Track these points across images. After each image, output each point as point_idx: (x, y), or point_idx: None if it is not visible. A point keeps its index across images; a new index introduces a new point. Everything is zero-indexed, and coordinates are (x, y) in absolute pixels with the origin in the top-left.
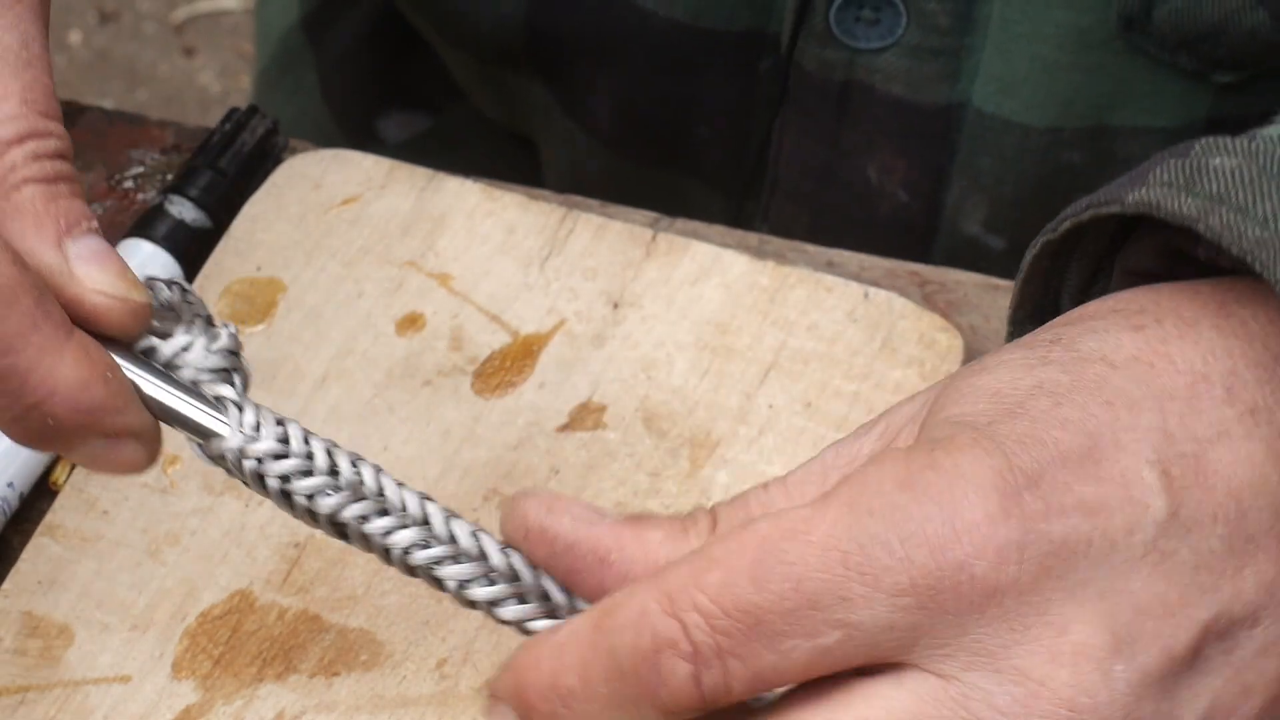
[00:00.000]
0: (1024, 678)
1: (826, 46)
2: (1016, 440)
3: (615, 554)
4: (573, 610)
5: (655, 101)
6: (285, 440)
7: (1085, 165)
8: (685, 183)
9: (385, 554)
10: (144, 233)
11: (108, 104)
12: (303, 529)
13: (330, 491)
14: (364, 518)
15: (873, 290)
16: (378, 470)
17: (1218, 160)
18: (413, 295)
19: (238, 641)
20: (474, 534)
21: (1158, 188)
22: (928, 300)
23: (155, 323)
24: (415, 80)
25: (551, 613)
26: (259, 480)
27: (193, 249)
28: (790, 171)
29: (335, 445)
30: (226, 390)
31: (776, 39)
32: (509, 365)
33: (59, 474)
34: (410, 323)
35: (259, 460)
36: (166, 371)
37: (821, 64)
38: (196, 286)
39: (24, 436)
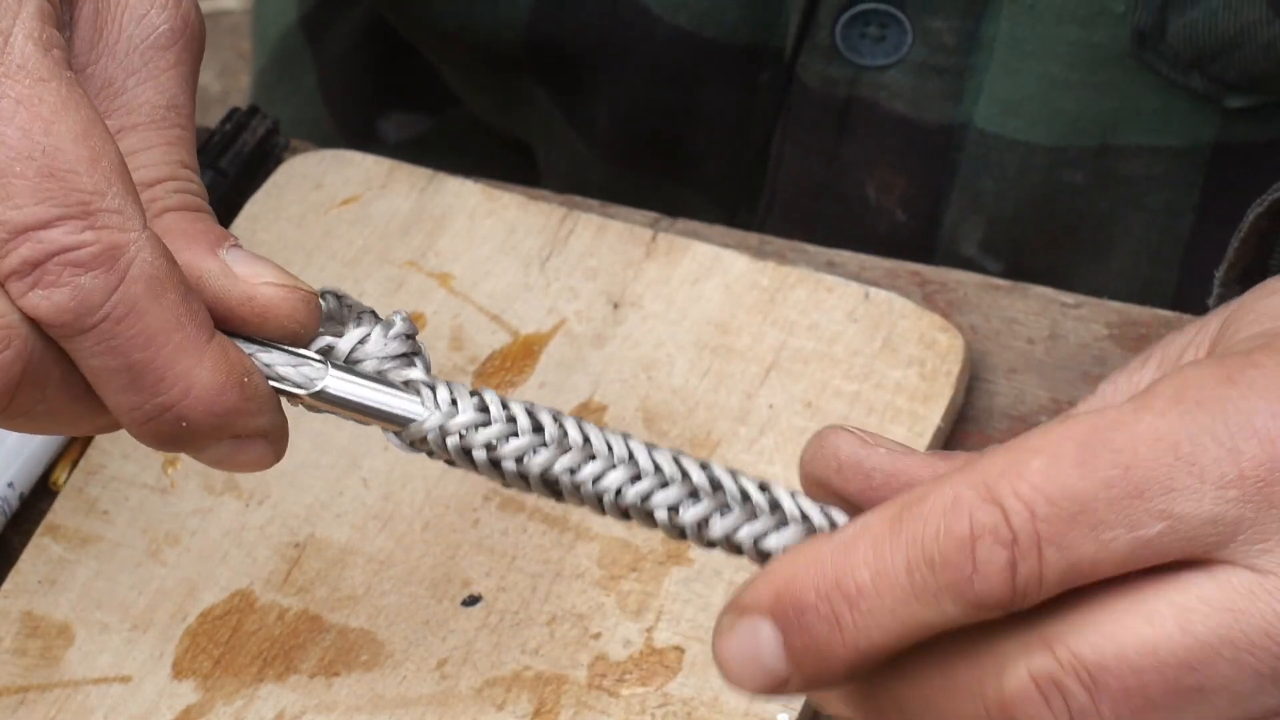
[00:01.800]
0: None
1: (831, 62)
2: None
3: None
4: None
5: (655, 110)
6: (485, 409)
7: (1086, 185)
8: (682, 194)
9: (599, 501)
10: None
11: None
12: (302, 529)
13: (537, 450)
14: (573, 469)
15: (873, 290)
16: (580, 422)
17: None
18: (413, 295)
19: (238, 641)
20: (703, 466)
21: None
22: (928, 300)
23: (322, 329)
24: (414, 81)
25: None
26: (465, 454)
27: None
28: (787, 186)
29: (534, 405)
30: (414, 373)
31: (779, 52)
32: (509, 365)
33: (59, 474)
34: None
35: (461, 434)
36: (349, 367)
37: (824, 79)
38: None
39: (153, 438)
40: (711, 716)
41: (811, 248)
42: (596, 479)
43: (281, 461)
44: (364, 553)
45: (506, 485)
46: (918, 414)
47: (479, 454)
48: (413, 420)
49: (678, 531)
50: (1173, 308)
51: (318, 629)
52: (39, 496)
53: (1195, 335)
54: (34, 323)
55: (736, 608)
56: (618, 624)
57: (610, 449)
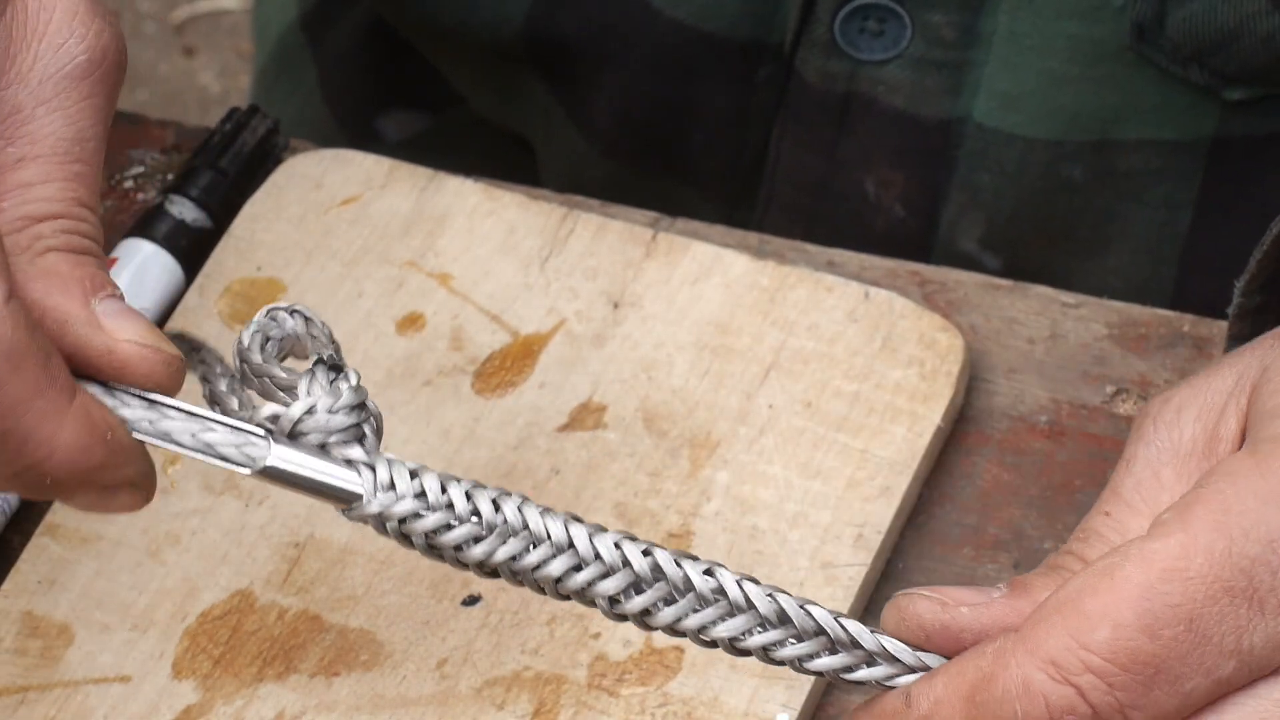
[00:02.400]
0: None
1: (830, 57)
2: None
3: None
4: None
5: (654, 105)
6: (422, 494)
7: (1085, 180)
8: (681, 190)
9: (540, 588)
10: (144, 233)
11: None
12: (302, 529)
13: (477, 539)
14: (513, 558)
15: (873, 290)
16: (522, 503)
17: None
18: (413, 295)
19: (238, 641)
20: (645, 553)
21: None
22: (928, 300)
23: (278, 370)
24: (414, 80)
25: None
26: (405, 539)
27: (193, 249)
28: (786, 182)
29: (477, 486)
30: (355, 452)
31: (778, 48)
32: (509, 365)
33: None
34: (410, 323)
35: (401, 521)
36: (293, 443)
37: (823, 75)
38: (196, 286)
39: (20, 490)
40: (711, 716)
41: (811, 247)
42: (536, 568)
43: None
44: (364, 552)
45: (452, 566)
46: (918, 414)
47: (418, 540)
48: (354, 501)
49: (621, 619)
50: (1172, 302)
51: (318, 629)
52: None
53: (1234, 387)
54: None
55: None
56: (617, 624)
57: (549, 535)
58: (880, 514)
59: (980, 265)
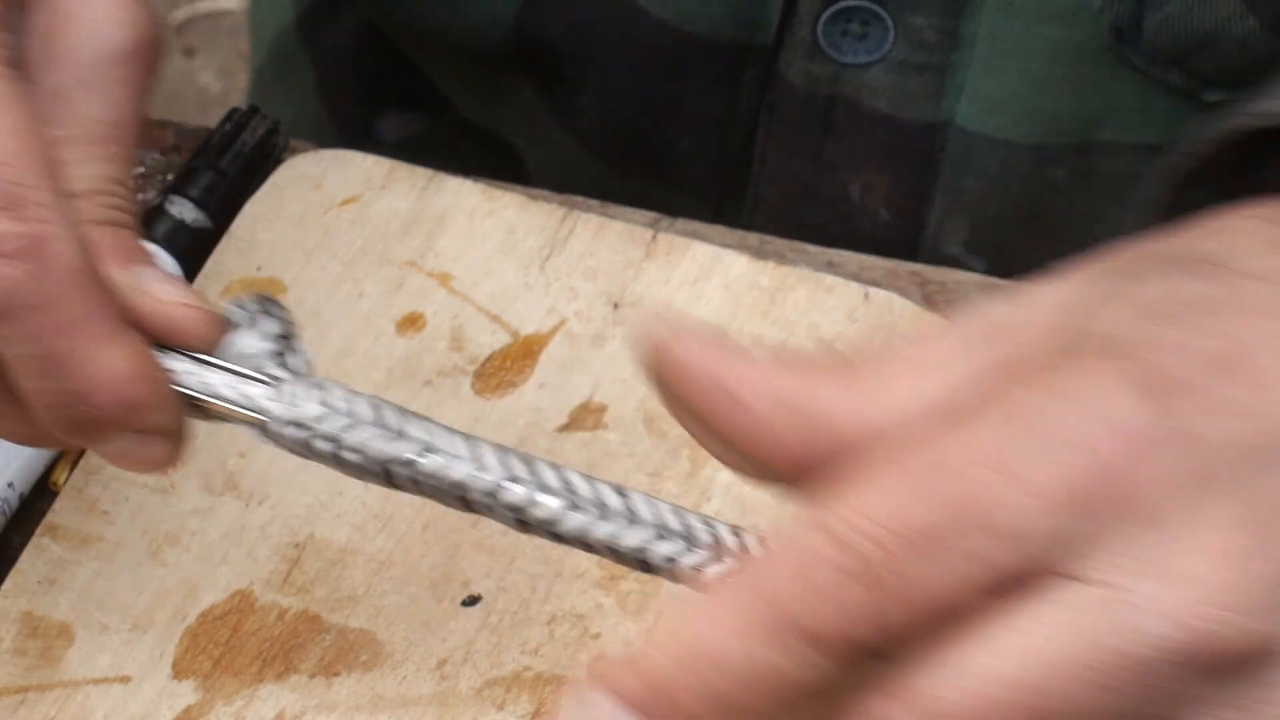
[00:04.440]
0: (1176, 578)
1: (813, 60)
2: (1167, 346)
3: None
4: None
5: (641, 108)
6: (326, 403)
7: (1069, 183)
8: (669, 196)
9: (450, 495)
10: (144, 233)
11: None
12: (302, 529)
13: (380, 440)
14: (410, 462)
15: (873, 290)
16: (428, 420)
17: None
18: (413, 295)
19: (238, 641)
20: (553, 467)
21: None
22: (928, 300)
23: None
24: (411, 82)
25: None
26: (306, 447)
27: (193, 249)
28: (771, 186)
29: (381, 400)
30: (272, 369)
31: (763, 50)
32: (509, 365)
33: (59, 474)
34: (410, 323)
35: (304, 426)
36: (212, 362)
37: (807, 77)
38: (196, 286)
39: (58, 424)
40: None
41: (811, 248)
42: (439, 471)
43: (281, 461)
44: (364, 553)
45: (355, 477)
46: None
47: (321, 445)
48: (265, 416)
49: (516, 522)
50: None
51: (318, 629)
52: (39, 496)
53: (1055, 311)
54: None
55: (594, 676)
56: (618, 624)
57: (455, 448)
58: None
59: (965, 268)
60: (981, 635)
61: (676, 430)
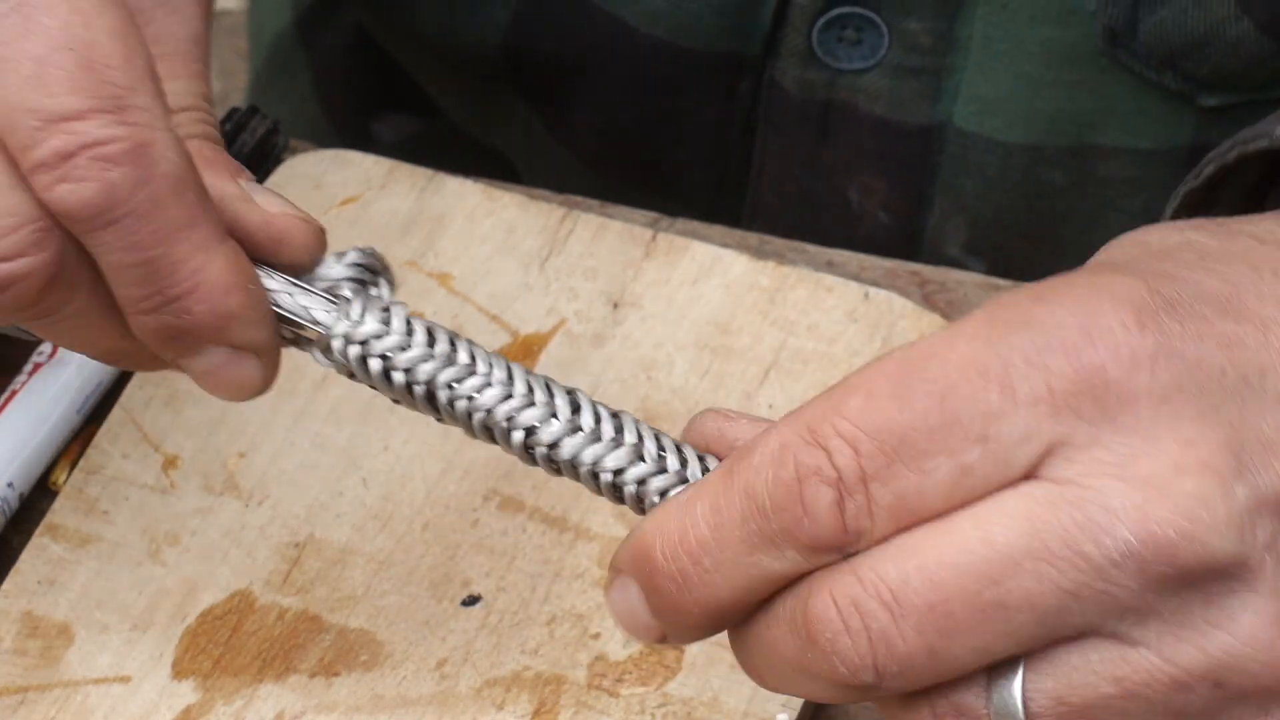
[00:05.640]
0: (1145, 484)
1: (808, 67)
2: (1159, 274)
3: None
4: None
5: (636, 121)
6: (387, 322)
7: (1066, 185)
8: (665, 204)
9: (466, 420)
10: None
11: None
12: (302, 529)
13: (425, 360)
14: (454, 382)
15: (873, 290)
16: (471, 346)
17: None
18: (413, 295)
19: (238, 641)
20: (570, 394)
21: None
22: (928, 300)
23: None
24: (407, 84)
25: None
26: (362, 364)
27: None
28: (770, 193)
29: (439, 326)
30: (345, 290)
31: (757, 60)
32: None
33: (59, 474)
34: None
35: (362, 344)
36: (291, 280)
37: (802, 84)
38: None
39: (153, 334)
40: (711, 716)
41: (811, 248)
42: (473, 395)
43: (281, 461)
44: (364, 553)
45: (403, 403)
46: None
47: (374, 364)
48: (325, 331)
49: (531, 455)
50: None
51: (317, 629)
52: (39, 496)
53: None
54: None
55: (612, 566)
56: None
57: (505, 375)
58: None
59: (964, 270)
60: (944, 526)
61: (676, 430)
